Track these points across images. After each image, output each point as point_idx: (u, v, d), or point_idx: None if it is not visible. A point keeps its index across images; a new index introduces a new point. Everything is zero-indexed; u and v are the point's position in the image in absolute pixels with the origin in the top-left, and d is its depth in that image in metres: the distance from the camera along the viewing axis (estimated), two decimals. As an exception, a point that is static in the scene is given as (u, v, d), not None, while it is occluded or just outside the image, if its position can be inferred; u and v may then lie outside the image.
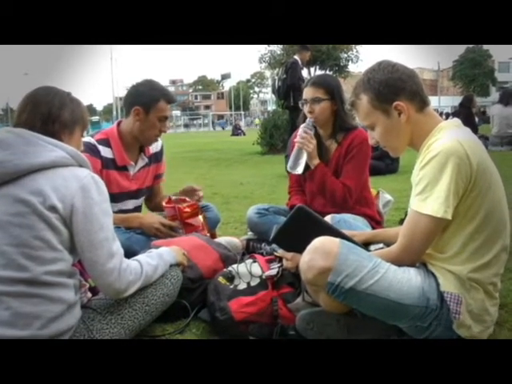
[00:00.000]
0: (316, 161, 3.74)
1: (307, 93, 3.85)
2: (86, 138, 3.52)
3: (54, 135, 2.33)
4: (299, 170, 3.67)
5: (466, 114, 12.40)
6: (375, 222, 3.87)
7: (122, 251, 2.37)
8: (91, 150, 3.52)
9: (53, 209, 2.18)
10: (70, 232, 2.25)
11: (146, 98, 3.61)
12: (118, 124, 3.80)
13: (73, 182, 2.24)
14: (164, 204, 3.81)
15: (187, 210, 3.74)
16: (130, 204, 3.88)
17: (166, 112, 3.67)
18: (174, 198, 3.84)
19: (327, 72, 32.78)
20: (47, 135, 2.30)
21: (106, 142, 3.68)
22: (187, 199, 3.83)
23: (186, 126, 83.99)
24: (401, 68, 2.43)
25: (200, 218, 3.81)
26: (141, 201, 4.02)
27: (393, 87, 2.38)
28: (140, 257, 2.61)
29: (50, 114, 2.35)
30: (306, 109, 3.83)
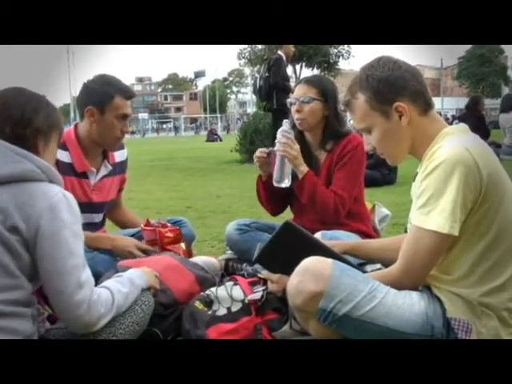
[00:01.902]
0: (304, 168, 3.69)
1: (298, 90, 3.87)
2: None
3: (27, 142, 2.30)
4: (287, 182, 3.62)
5: (476, 117, 12.43)
6: (369, 238, 3.87)
7: (92, 280, 2.34)
8: None
9: (14, 230, 2.16)
10: (32, 257, 2.22)
11: (98, 96, 3.58)
12: (75, 127, 3.77)
13: (41, 199, 2.21)
14: (142, 226, 3.77)
15: (169, 234, 3.72)
16: (91, 218, 3.84)
17: (124, 109, 3.64)
18: (153, 221, 3.80)
19: (315, 70, 32.94)
20: (17, 141, 2.27)
21: (62, 145, 3.58)
22: (168, 224, 3.80)
23: (156, 130, 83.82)
24: (403, 65, 2.42)
25: (182, 245, 3.79)
26: (103, 215, 4.00)
27: (394, 86, 2.38)
28: (110, 283, 2.53)
29: (22, 117, 2.31)
30: (294, 108, 3.84)
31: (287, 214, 4.15)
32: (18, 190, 2.21)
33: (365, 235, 3.82)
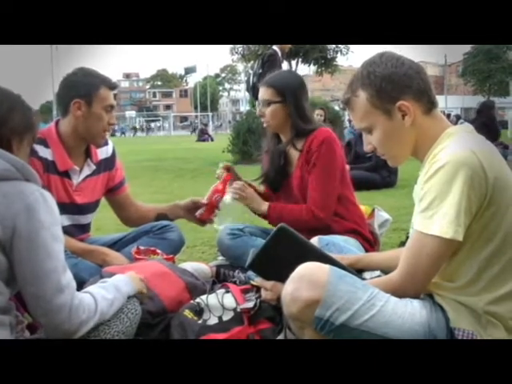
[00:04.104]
0: (264, 206, 3.88)
1: (259, 94, 3.95)
2: None
3: (1, 141, 2.29)
4: (228, 220, 3.86)
5: (487, 117, 12.40)
6: (366, 241, 3.88)
7: (73, 284, 2.32)
8: None
9: None
10: (8, 260, 2.20)
11: (84, 88, 3.61)
12: (56, 124, 3.77)
13: (16, 199, 2.20)
14: (133, 254, 3.73)
15: None
16: (77, 220, 3.85)
17: (110, 100, 3.69)
18: (142, 248, 3.77)
19: (311, 66, 32.87)
20: None
21: (42, 142, 3.63)
22: (158, 250, 3.78)
23: (142, 129, 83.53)
24: (407, 62, 2.42)
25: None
26: (90, 217, 3.99)
27: (397, 84, 2.37)
28: (93, 289, 2.51)
29: None
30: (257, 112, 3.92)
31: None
32: None
33: (359, 235, 3.83)
